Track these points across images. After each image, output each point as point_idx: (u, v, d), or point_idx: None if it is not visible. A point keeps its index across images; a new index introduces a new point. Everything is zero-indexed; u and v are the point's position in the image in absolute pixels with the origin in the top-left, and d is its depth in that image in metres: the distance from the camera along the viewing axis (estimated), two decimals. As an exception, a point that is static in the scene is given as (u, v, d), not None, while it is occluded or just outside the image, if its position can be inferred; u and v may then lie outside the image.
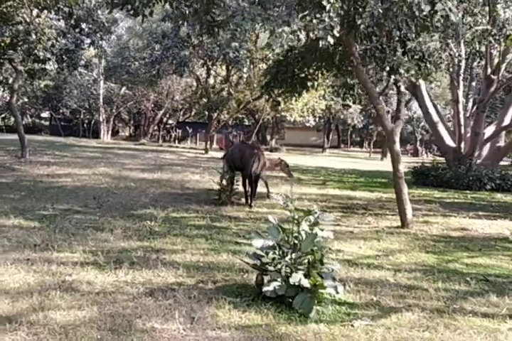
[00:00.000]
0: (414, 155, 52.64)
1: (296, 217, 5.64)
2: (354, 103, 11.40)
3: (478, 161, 19.07)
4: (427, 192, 16.68)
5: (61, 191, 12.04)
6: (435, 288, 6.08)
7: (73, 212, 9.62)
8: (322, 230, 5.52)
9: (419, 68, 9.52)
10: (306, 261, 5.29)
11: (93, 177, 14.90)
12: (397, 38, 8.80)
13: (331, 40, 6.88)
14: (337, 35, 6.91)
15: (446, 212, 12.23)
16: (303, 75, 11.13)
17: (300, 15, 6.83)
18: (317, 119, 48.64)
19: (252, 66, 29.17)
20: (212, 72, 32.89)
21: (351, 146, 67.27)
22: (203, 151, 31.68)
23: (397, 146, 9.67)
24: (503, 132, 21.10)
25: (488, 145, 19.51)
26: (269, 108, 38.04)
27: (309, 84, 11.39)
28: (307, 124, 47.39)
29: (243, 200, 11.92)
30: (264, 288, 5.13)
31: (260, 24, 7.23)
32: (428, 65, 9.56)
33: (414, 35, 8.80)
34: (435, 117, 19.73)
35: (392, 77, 9.44)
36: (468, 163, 18.69)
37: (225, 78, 32.54)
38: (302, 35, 7.20)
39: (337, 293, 5.17)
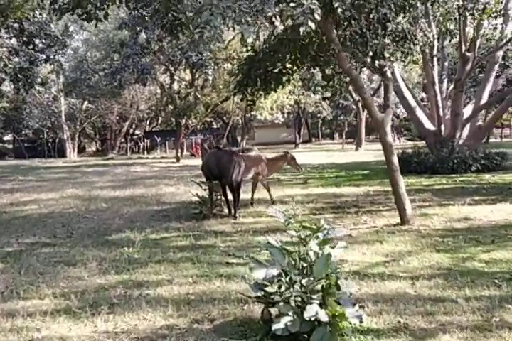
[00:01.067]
0: (388, 142, 52.11)
1: (302, 236, 4.75)
2: (334, 95, 10.58)
3: (460, 142, 18.46)
4: (413, 181, 15.99)
5: (26, 221, 10.99)
6: (464, 297, 5.29)
7: (41, 245, 8.62)
8: (333, 247, 4.67)
9: (402, 51, 8.75)
10: (319, 286, 4.43)
11: (61, 202, 13.85)
12: (376, 20, 8.00)
13: (313, 25, 6.06)
14: (318, 18, 6.07)
15: (442, 200, 11.53)
16: (277, 70, 10.29)
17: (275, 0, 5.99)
18: (285, 115, 48.01)
19: (216, 67, 28.28)
20: (176, 77, 31.93)
21: (322, 139, 66.69)
22: (175, 160, 30.72)
23: (389, 137, 8.90)
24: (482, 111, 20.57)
25: (468, 125, 18.90)
26: (237, 109, 37.24)
27: (284, 78, 10.56)
28: (276, 121, 46.65)
29: (226, 211, 11.06)
30: (274, 326, 4.24)
31: (232, 18, 6.35)
32: (412, 47, 8.79)
33: (393, 16, 8.02)
34: (412, 101, 19.06)
35: (377, 62, 8.66)
36: (451, 146, 18.10)
37: (189, 82, 31.62)
38: (278, 22, 6.33)
39: (361, 322, 4.33)
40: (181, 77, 33.06)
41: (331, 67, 10.49)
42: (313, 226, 4.70)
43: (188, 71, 31.45)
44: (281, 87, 10.75)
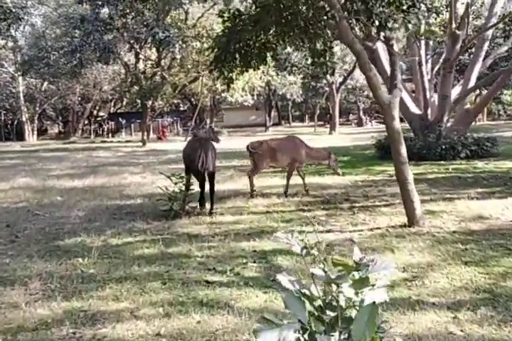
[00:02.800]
0: (359, 124, 51.21)
1: (332, 275, 3.24)
2: (326, 74, 9.11)
3: (448, 127, 17.25)
4: (401, 169, 14.72)
5: (-38, 220, 9.35)
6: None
7: (-26, 254, 7.05)
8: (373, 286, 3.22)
9: (409, 21, 7.33)
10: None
11: (10, 194, 12.14)
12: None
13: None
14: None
15: (443, 193, 10.27)
16: (260, 44, 8.77)
17: None
18: (255, 97, 46.46)
19: (184, 45, 26.49)
20: (141, 56, 30.02)
21: (292, 122, 65.31)
22: (141, 144, 28.98)
23: (397, 123, 7.49)
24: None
25: (455, 109, 17.69)
26: (206, 90, 35.55)
27: (268, 54, 9.05)
28: (245, 104, 45.01)
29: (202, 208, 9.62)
30: None
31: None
32: (420, 17, 7.39)
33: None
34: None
35: (382, 34, 7.24)
36: (438, 131, 16.86)
37: (156, 62, 29.74)
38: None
39: None
40: (147, 56, 31.13)
41: (322, 41, 9.01)
42: (349, 262, 3.09)
43: (154, 49, 29.54)
44: (263, 63, 9.22)
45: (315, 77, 35.30)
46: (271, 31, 8.90)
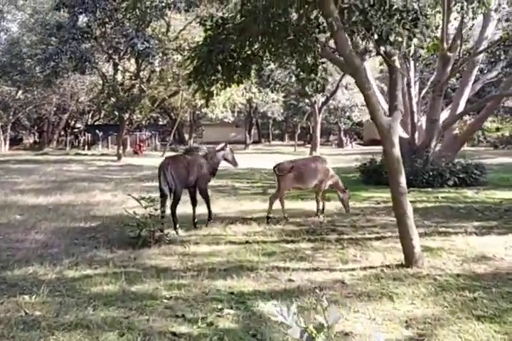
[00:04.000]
0: (339, 145, 50.71)
1: None
2: (316, 91, 8.28)
3: (436, 152, 16.59)
4: (387, 195, 13.80)
5: None
6: None
7: None
8: None
9: (414, 35, 6.55)
10: None
11: (-35, 211, 11.10)
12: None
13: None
14: None
15: (436, 226, 9.47)
16: (245, 55, 7.93)
17: None
18: (236, 114, 45.79)
19: (164, 58, 25.62)
20: (119, 67, 29.04)
21: (272, 140, 64.67)
22: (116, 158, 27.91)
23: (397, 150, 6.65)
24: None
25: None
26: (186, 105, 34.70)
27: (253, 67, 8.21)
28: (226, 120, 44.25)
29: (173, 232, 8.68)
30: None
31: None
32: (424, 31, 6.62)
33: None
34: (384, 105, 17.05)
35: (382, 48, 6.45)
36: (426, 156, 16.22)
37: (134, 73, 28.79)
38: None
39: None
40: (126, 67, 30.18)
41: (312, 55, 8.20)
42: None
43: (133, 61, 28.63)
44: (247, 77, 8.38)
45: (303, 95, 34.60)
46: (257, 42, 8.10)
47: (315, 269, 6.68)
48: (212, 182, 16.35)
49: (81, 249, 7.79)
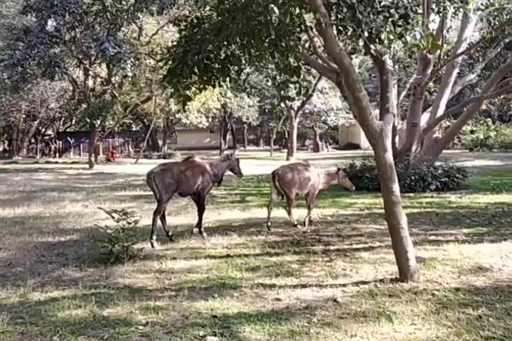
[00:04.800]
0: (315, 150, 50.44)
1: None
2: (300, 94, 7.80)
3: (417, 156, 16.26)
4: (369, 201, 13.59)
5: None
6: None
7: None
8: None
9: (406, 30, 6.11)
10: None
11: None
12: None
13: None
14: None
15: (425, 234, 9.05)
16: (223, 56, 7.41)
17: None
18: (210, 120, 45.26)
19: (137, 63, 25.00)
20: (90, 72, 28.33)
21: (247, 146, 64.24)
22: (87, 165, 27.14)
23: (390, 155, 6.19)
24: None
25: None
26: (159, 110, 34.07)
27: (232, 69, 7.70)
28: (200, 126, 43.70)
29: (147, 247, 8.10)
30: None
31: None
32: (413, 28, 6.20)
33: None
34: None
35: (372, 47, 6.00)
36: (407, 160, 15.85)
37: (106, 79, 28.10)
38: None
39: None
40: (96, 73, 29.46)
41: (294, 56, 7.73)
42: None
43: (104, 66, 27.92)
44: (227, 79, 7.86)
45: (285, 99, 34.16)
46: (236, 42, 7.59)
47: (303, 286, 6.16)
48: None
49: (48, 268, 7.16)
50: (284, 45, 7.46)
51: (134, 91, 29.45)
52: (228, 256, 7.71)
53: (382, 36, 5.94)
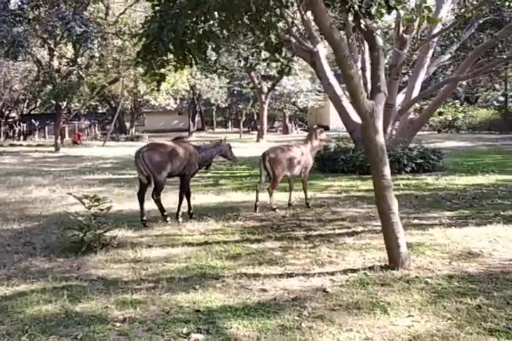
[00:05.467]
0: (284, 132, 50.18)
1: None
2: (281, 73, 7.41)
3: (392, 138, 16.06)
4: (346, 183, 13.36)
5: None
6: None
7: None
8: None
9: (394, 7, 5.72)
10: None
11: None
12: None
13: None
14: None
15: (408, 217, 8.72)
16: (200, 32, 6.94)
17: None
18: (178, 101, 44.60)
19: (104, 43, 24.19)
20: (55, 52, 27.36)
21: (216, 128, 63.65)
22: (54, 148, 26.37)
23: (381, 137, 5.86)
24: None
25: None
26: (126, 92, 33.30)
27: (210, 46, 7.25)
28: (168, 108, 43.03)
29: (122, 234, 7.68)
30: None
31: None
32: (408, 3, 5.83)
33: None
34: (338, 90, 16.33)
35: (363, 22, 5.63)
36: (382, 142, 15.59)
37: (72, 59, 27.19)
38: None
39: None
40: (62, 53, 28.49)
41: (275, 32, 7.30)
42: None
43: (70, 46, 27.00)
44: (204, 57, 7.40)
45: (268, 78, 33.56)
46: (214, 18, 7.14)
47: (289, 275, 5.82)
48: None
49: (14, 258, 6.67)
50: (264, 21, 7.06)
51: (101, 73, 28.61)
52: (206, 243, 7.33)
53: (373, 10, 5.55)
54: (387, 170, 5.86)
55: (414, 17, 5.57)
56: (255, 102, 46.47)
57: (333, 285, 5.46)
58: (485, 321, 4.49)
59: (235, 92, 46.45)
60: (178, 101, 45.13)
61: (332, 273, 5.84)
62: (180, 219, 8.71)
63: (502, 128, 37.43)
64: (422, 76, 16.75)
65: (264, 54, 8.56)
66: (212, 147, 9.53)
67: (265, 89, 36.37)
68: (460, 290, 5.25)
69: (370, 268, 5.96)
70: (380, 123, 5.79)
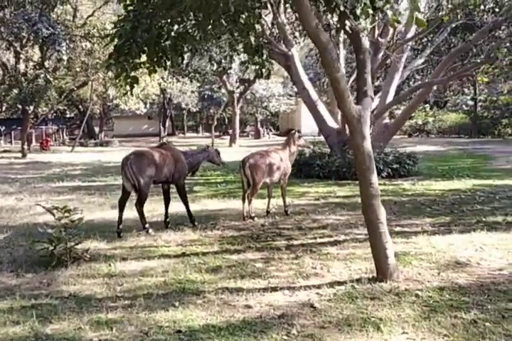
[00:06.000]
0: (256, 137, 49.88)
1: None
2: (259, 77, 7.12)
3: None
4: (323, 190, 13.14)
5: None
6: None
7: None
8: None
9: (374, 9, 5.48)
10: None
11: None
12: None
13: None
14: None
15: (389, 224, 8.18)
16: (176, 33, 6.61)
17: None
18: (148, 106, 44.04)
19: (72, 46, 23.64)
20: (22, 55, 26.67)
21: (187, 132, 63.06)
22: (20, 154, 25.66)
23: (369, 143, 5.60)
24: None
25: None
26: (95, 96, 32.71)
27: (186, 48, 6.93)
28: (138, 112, 42.41)
29: (94, 246, 7.29)
30: None
31: None
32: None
33: None
34: (313, 94, 16.15)
35: (348, 24, 5.38)
36: (357, 147, 15.45)
37: (39, 62, 26.52)
38: None
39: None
40: (29, 56, 27.79)
41: (254, 34, 7.03)
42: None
43: (37, 48, 26.35)
44: (180, 59, 7.08)
45: (245, 81, 33.14)
46: (190, 19, 6.83)
47: (273, 289, 5.53)
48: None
49: (-22, 274, 6.27)
50: (242, 22, 6.78)
51: (69, 76, 28.02)
52: (184, 254, 7.00)
53: (358, 11, 5.31)
54: (374, 178, 5.61)
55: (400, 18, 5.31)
56: (226, 106, 46.16)
57: (321, 300, 5.18)
58: (483, 337, 4.28)
59: (206, 96, 46.06)
60: (148, 106, 44.57)
61: (318, 287, 5.56)
62: (151, 230, 8.35)
63: (471, 133, 37.86)
64: (396, 80, 16.66)
65: (239, 57, 8.26)
66: (198, 153, 9.31)
67: (237, 94, 36.07)
68: (453, 304, 5.02)
69: (358, 281, 5.70)
70: (367, 130, 5.54)
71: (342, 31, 5.97)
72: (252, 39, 6.74)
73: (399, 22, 5.28)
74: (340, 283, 5.66)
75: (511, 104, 36.17)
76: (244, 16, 6.67)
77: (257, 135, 50.01)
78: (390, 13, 5.19)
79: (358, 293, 5.36)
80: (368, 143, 5.55)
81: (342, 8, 5.35)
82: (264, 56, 6.87)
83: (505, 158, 20.57)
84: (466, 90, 42.97)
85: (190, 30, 6.76)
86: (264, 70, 7.04)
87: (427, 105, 42.30)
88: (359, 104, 5.57)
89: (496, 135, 36.54)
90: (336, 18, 5.59)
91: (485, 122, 38.09)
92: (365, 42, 5.85)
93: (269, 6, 7.32)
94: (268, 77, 7.20)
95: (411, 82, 24.54)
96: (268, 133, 51.52)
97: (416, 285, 5.56)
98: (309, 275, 6.02)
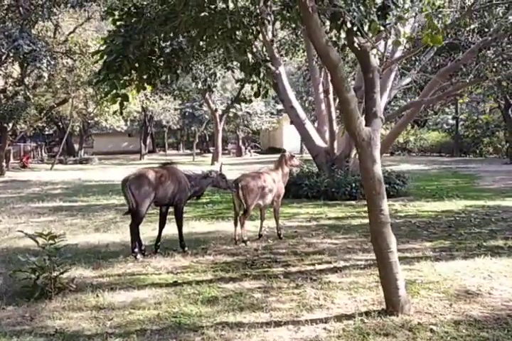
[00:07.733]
0: (238, 154, 49.56)
1: None
2: (257, 95, 6.79)
3: (356, 162, 15.65)
4: (313, 210, 12.83)
5: None
6: None
7: None
8: None
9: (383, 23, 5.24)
10: None
11: None
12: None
13: None
14: None
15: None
16: (169, 49, 6.27)
17: None
18: (128, 123, 43.65)
19: (53, 62, 23.15)
20: (1, 72, 26.07)
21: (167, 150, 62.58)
22: (-2, 173, 25.05)
23: (379, 166, 5.25)
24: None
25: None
26: (75, 113, 32.18)
27: (180, 65, 6.57)
28: (118, 129, 41.99)
29: (80, 273, 6.83)
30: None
31: None
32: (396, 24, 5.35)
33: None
34: (301, 113, 15.90)
35: (356, 40, 5.09)
36: (346, 166, 15.27)
37: (18, 79, 25.96)
38: None
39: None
40: (8, 73, 27.19)
41: (251, 51, 6.72)
42: None
43: (16, 65, 25.80)
44: (175, 78, 6.74)
45: (239, 101, 32.81)
46: (184, 35, 6.50)
47: (276, 323, 5.12)
48: (115, 200, 14.58)
49: (-46, 308, 5.77)
50: (239, 38, 6.47)
51: (50, 93, 27.48)
52: (176, 283, 6.57)
53: (366, 28, 5.03)
54: (384, 205, 5.27)
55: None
56: (208, 124, 45.87)
57: (330, 337, 4.80)
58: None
59: (187, 114, 45.81)
60: (128, 123, 44.16)
61: (325, 321, 5.17)
62: (139, 256, 7.92)
63: (453, 151, 37.99)
64: (384, 99, 16.42)
65: (226, 76, 7.88)
66: (202, 178, 8.79)
67: (220, 112, 35.81)
68: (471, 340, 4.66)
69: (367, 314, 5.32)
70: (377, 153, 5.20)
71: (349, 49, 5.66)
72: (250, 56, 6.42)
73: (412, 39, 4.99)
74: (348, 317, 5.27)
75: (491, 123, 36.41)
76: (240, 33, 6.37)
77: (239, 152, 49.71)
78: (402, 30, 4.91)
79: (369, 328, 4.97)
80: (378, 167, 5.21)
81: (349, 25, 5.08)
82: (261, 74, 6.51)
83: (491, 178, 20.50)
84: (446, 109, 43.22)
85: (184, 47, 6.42)
86: (261, 89, 6.70)
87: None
88: (368, 125, 5.24)
89: (477, 154, 36.68)
90: (342, 35, 5.26)
91: (466, 141, 38.27)
92: (374, 60, 5.55)
93: (266, 22, 6.96)
94: (265, 96, 6.86)
95: (398, 102, 24.47)
96: (249, 151, 51.29)
97: (429, 319, 5.20)
98: (313, 307, 5.62)
